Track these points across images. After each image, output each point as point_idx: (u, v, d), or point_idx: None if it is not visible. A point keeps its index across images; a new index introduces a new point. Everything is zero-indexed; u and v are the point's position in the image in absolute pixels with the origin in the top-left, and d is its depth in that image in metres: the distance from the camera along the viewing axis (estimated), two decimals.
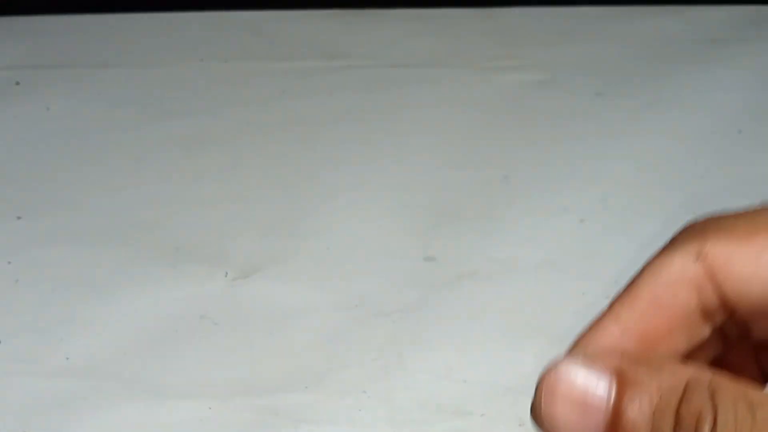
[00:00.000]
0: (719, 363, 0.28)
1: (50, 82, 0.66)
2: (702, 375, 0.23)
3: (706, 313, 0.26)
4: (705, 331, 0.26)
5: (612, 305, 0.26)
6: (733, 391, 0.22)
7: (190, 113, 0.63)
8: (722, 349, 0.29)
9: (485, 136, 0.60)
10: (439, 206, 0.53)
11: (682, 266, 0.25)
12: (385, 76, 0.66)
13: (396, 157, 0.58)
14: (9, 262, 0.50)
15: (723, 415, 0.22)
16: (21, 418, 0.42)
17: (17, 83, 0.66)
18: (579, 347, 0.26)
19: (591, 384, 0.24)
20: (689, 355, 0.27)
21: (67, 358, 0.44)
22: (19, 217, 0.54)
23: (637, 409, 0.23)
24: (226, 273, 0.49)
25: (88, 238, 0.52)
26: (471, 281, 0.48)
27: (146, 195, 0.56)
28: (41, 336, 0.46)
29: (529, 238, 0.51)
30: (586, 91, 0.63)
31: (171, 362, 0.44)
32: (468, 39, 0.71)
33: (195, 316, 0.46)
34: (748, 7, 0.72)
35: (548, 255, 0.49)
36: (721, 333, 0.29)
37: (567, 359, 0.24)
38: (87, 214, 0.54)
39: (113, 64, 0.68)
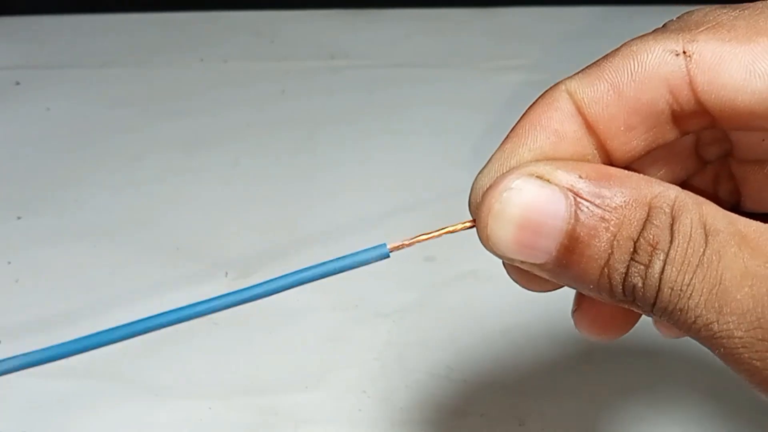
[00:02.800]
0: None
1: (50, 82, 0.66)
2: (667, 193, 0.21)
3: (677, 118, 0.23)
4: (671, 135, 0.23)
5: (572, 77, 0.23)
6: (694, 215, 0.21)
7: (190, 113, 0.63)
8: (691, 168, 0.27)
9: (485, 136, 0.60)
10: (439, 206, 0.53)
11: (660, 59, 0.22)
12: (385, 76, 0.66)
13: (396, 157, 0.58)
14: (9, 262, 0.50)
15: (675, 249, 0.20)
16: (21, 418, 0.42)
17: (17, 83, 0.66)
18: (529, 133, 0.23)
19: (544, 205, 0.21)
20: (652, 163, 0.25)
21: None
22: (19, 217, 0.54)
23: (595, 234, 0.21)
24: (226, 273, 0.49)
25: (88, 238, 0.52)
26: (471, 281, 0.48)
27: (146, 195, 0.56)
28: (41, 336, 0.46)
29: None
30: None
31: (171, 362, 0.44)
32: (468, 39, 0.71)
33: None
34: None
35: None
36: (693, 149, 0.26)
37: (516, 173, 0.22)
38: (87, 214, 0.54)
39: (113, 64, 0.68)
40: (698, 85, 0.22)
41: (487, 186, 0.23)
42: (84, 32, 0.72)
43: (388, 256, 0.24)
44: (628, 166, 0.24)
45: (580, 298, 0.28)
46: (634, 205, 0.21)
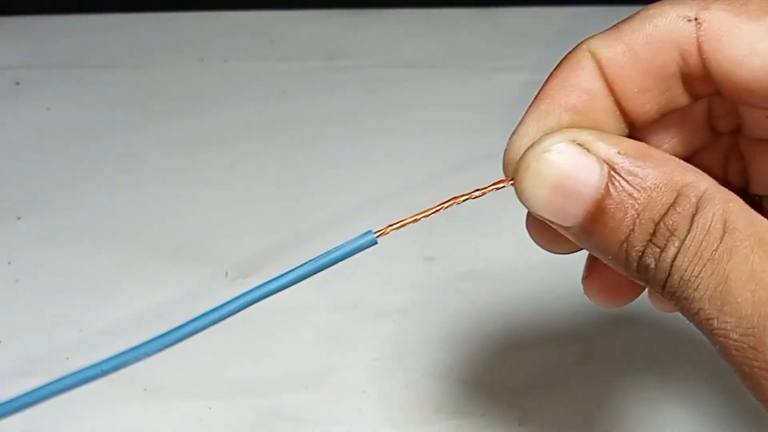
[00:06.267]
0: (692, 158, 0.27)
1: (50, 82, 0.66)
2: (698, 184, 0.22)
3: (687, 81, 0.24)
4: (682, 99, 0.24)
5: (593, 37, 0.24)
6: (718, 209, 0.21)
7: (190, 113, 0.63)
8: (704, 139, 0.27)
9: (485, 135, 0.59)
10: None
11: (673, 23, 0.23)
12: (385, 76, 0.66)
13: (396, 156, 0.58)
14: (9, 262, 0.50)
15: (690, 239, 0.21)
16: (21, 418, 0.41)
17: (17, 83, 0.66)
18: (559, 90, 0.24)
19: (579, 172, 0.22)
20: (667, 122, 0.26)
21: (67, 358, 0.44)
22: (19, 217, 0.54)
23: (622, 210, 0.22)
24: (226, 273, 0.49)
25: (88, 238, 0.52)
26: (471, 281, 0.48)
27: (146, 195, 0.56)
28: (41, 336, 0.46)
29: (529, 238, 0.51)
30: None
31: (171, 362, 0.44)
32: (468, 39, 0.71)
33: None
34: None
35: (548, 255, 0.49)
36: (706, 119, 0.27)
37: (559, 136, 0.23)
38: (87, 214, 0.54)
39: (113, 64, 0.68)
40: (705, 52, 0.23)
41: (527, 145, 0.23)
42: (84, 32, 0.72)
43: (376, 243, 0.24)
44: (645, 129, 0.25)
45: (591, 266, 0.29)
46: (663, 188, 0.21)
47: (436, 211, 0.25)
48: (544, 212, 0.23)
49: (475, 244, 0.50)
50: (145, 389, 0.43)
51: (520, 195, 0.23)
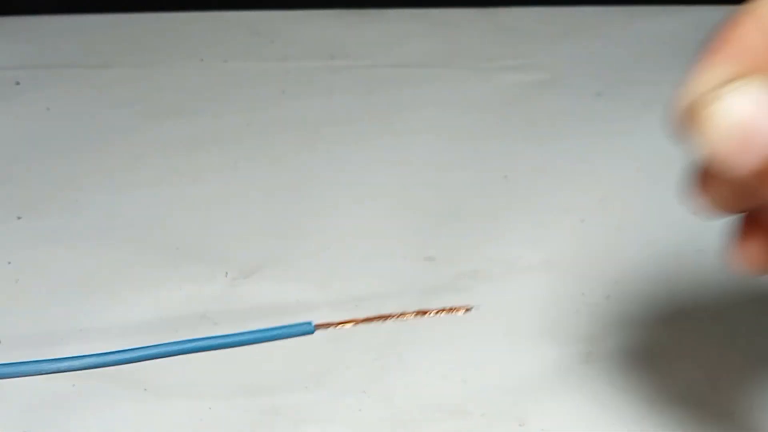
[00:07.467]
0: None
1: (50, 82, 0.66)
2: None
3: None
4: None
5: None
6: None
7: (190, 113, 0.63)
8: None
9: (485, 136, 0.60)
10: (439, 206, 0.53)
11: None
12: (385, 76, 0.66)
13: (396, 157, 0.58)
14: (9, 262, 0.50)
15: None
16: (21, 418, 0.41)
17: (17, 83, 0.66)
18: (726, 56, 0.24)
19: (759, 120, 0.22)
20: None
21: None
22: (19, 217, 0.54)
23: None
24: (226, 273, 0.49)
25: (88, 238, 0.52)
26: (471, 281, 0.48)
27: (146, 195, 0.56)
28: (41, 336, 0.46)
29: (529, 238, 0.51)
30: (586, 91, 0.63)
31: (171, 362, 0.44)
32: (468, 39, 0.71)
33: (195, 316, 0.46)
34: None
35: (548, 255, 0.49)
36: None
37: (745, 81, 0.22)
38: (87, 214, 0.54)
39: (113, 64, 0.68)
40: None
41: (707, 90, 0.23)
42: (84, 32, 0.72)
43: (312, 333, 0.25)
44: None
45: (748, 230, 0.28)
46: None
47: (378, 319, 0.25)
48: (727, 155, 0.22)
49: (475, 244, 0.50)
50: (145, 389, 0.43)
51: (702, 138, 0.23)
